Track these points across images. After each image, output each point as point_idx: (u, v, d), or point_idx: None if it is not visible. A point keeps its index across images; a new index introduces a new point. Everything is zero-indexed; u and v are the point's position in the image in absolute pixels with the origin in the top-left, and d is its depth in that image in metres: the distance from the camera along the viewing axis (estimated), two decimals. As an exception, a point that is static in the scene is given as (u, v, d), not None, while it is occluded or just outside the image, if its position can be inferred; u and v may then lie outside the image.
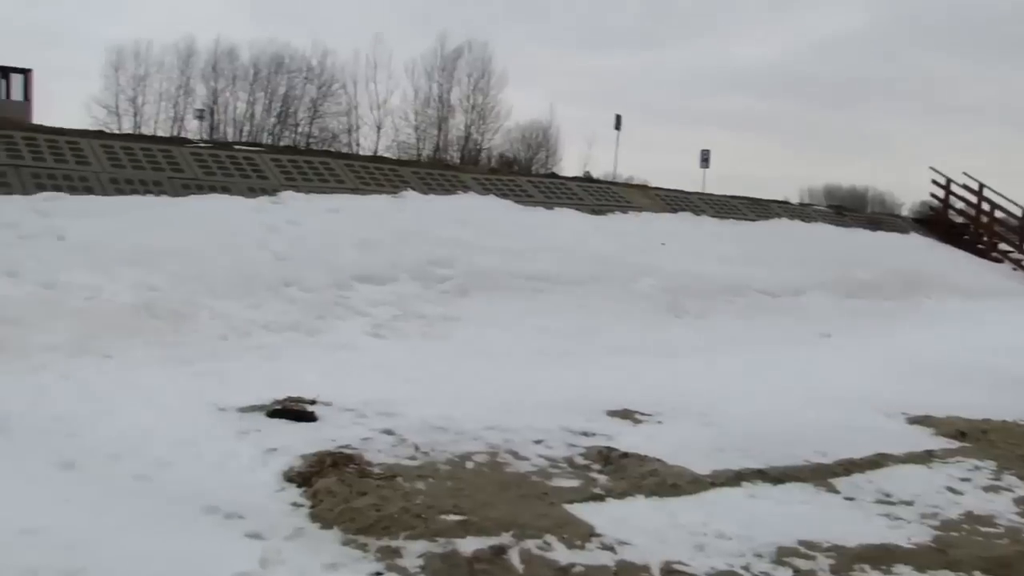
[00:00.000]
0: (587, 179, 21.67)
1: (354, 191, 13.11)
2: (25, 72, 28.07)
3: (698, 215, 17.10)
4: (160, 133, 47.57)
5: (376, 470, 4.96)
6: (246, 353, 7.44)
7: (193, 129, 51.10)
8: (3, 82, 28.16)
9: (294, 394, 6.24)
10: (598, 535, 4.30)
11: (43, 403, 5.69)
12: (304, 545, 4.01)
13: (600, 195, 16.64)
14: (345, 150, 45.83)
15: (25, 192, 10.24)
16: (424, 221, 12.07)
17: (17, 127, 13.17)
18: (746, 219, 17.90)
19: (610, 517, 4.57)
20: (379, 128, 54.78)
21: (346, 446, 5.30)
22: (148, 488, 4.53)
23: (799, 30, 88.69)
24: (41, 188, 10.45)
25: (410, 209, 12.62)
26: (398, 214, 12.25)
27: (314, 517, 4.33)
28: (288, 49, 54.96)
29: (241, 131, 54.19)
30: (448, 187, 14.49)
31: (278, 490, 4.67)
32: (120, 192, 10.99)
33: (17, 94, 28.02)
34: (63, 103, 65.28)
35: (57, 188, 10.53)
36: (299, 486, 4.71)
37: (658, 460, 5.47)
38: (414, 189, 13.79)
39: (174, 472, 4.77)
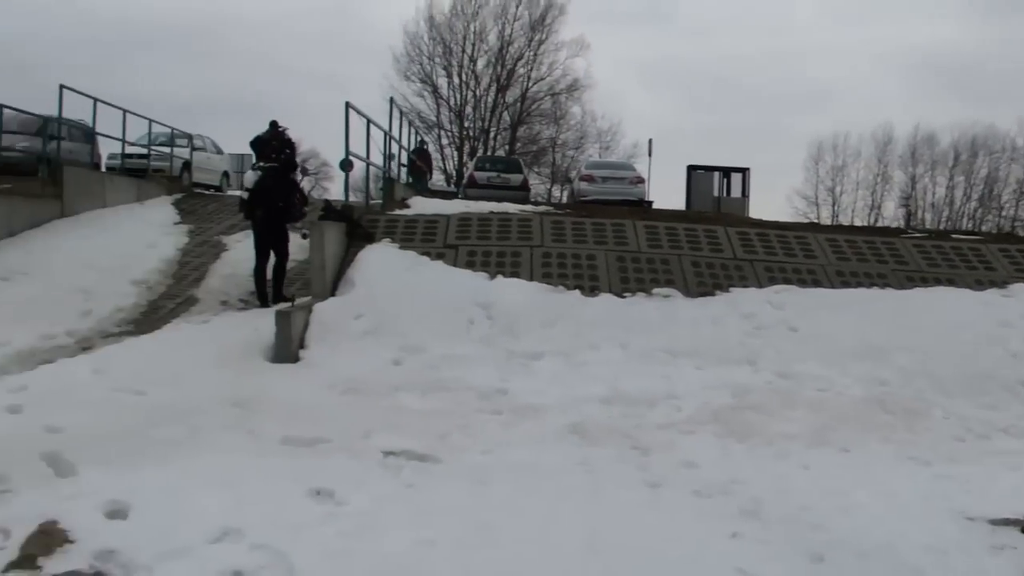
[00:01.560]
0: None
1: (1098, 282, 11.78)
2: (743, 171, 30.70)
3: None
4: (856, 222, 48.27)
5: None
6: (986, 457, 6.99)
7: (889, 216, 51.01)
8: (725, 181, 30.95)
9: (1050, 510, 5.69)
10: None
11: (788, 491, 5.94)
12: None
13: None
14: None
15: (759, 284, 11.04)
16: None
17: (743, 223, 14.32)
18: None
19: None
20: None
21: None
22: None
23: None
24: (772, 280, 11.21)
25: None
26: None
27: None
28: (991, 130, 52.83)
29: (940, 217, 52.59)
30: None
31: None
32: (845, 284, 11.31)
33: (737, 191, 30.64)
34: (768, 196, 69.78)
35: (787, 280, 11.22)
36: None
37: None
38: None
39: (924, 581, 4.64)
